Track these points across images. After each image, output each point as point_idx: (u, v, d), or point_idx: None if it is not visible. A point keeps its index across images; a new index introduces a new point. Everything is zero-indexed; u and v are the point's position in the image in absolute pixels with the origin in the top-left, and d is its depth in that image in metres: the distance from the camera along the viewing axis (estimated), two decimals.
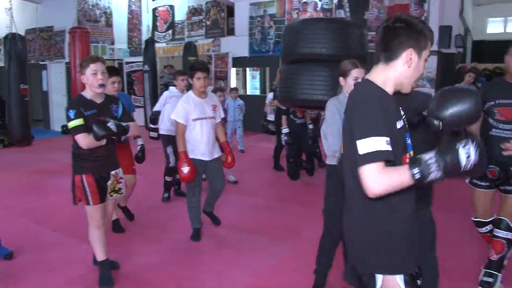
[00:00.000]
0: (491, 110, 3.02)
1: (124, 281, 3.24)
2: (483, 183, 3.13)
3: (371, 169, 1.46)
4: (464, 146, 1.42)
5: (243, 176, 6.41)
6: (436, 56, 8.29)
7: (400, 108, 1.68)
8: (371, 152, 1.46)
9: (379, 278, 1.65)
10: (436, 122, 1.61)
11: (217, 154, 4.07)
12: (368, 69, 1.80)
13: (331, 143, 2.82)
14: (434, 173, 1.42)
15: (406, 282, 1.62)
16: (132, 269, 3.43)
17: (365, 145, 1.47)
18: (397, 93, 1.68)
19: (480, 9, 14.77)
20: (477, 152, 1.42)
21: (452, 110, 1.58)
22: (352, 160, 1.54)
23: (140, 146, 4.31)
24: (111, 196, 3.18)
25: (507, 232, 2.97)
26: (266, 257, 3.65)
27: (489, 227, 3.23)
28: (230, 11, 11.99)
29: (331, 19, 5.26)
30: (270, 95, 7.85)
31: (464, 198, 4.69)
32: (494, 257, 3.02)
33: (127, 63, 12.70)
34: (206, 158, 3.97)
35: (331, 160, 2.88)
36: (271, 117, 7.37)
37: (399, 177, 1.45)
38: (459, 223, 4.27)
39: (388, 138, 1.48)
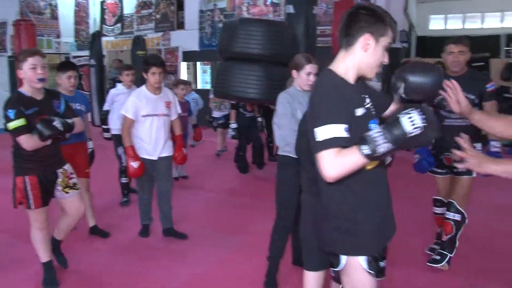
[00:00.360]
0: (441, 103, 3.15)
1: (72, 280, 3.18)
2: (440, 170, 3.40)
3: (327, 154, 1.51)
4: (407, 114, 1.48)
5: (194, 171, 6.40)
6: None
7: (367, 95, 1.73)
8: (328, 138, 1.51)
9: (343, 258, 1.71)
10: (399, 84, 1.70)
11: (167, 153, 3.86)
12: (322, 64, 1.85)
13: (283, 134, 2.88)
14: (383, 146, 1.47)
15: (369, 263, 1.68)
16: (81, 268, 3.37)
17: (322, 132, 1.53)
18: (360, 79, 1.72)
19: (423, 6, 15.39)
20: (423, 118, 1.47)
21: (416, 76, 1.69)
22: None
23: (90, 150, 4.02)
24: (67, 192, 3.05)
25: (454, 214, 3.22)
26: (216, 251, 3.67)
27: (445, 210, 3.44)
28: (180, 4, 11.86)
29: (267, 21, 5.40)
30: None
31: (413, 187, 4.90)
32: (444, 237, 3.27)
33: (74, 57, 12.31)
34: (152, 157, 3.79)
35: (283, 151, 2.95)
36: (216, 114, 7.36)
37: (351, 157, 1.50)
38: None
39: (345, 125, 1.53)
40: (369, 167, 1.63)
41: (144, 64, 3.73)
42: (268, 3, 10.13)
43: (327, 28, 9.08)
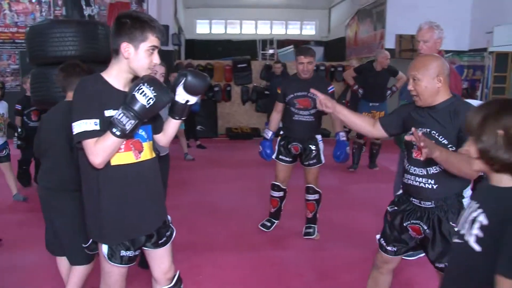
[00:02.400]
0: (292, 101, 3.87)
1: None
2: (286, 158, 3.98)
3: (87, 145, 1.76)
4: (138, 90, 1.75)
5: None
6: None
7: None
8: (83, 131, 1.75)
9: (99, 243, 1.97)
10: (181, 79, 2.02)
11: None
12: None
13: None
14: (129, 123, 1.72)
15: (109, 252, 1.92)
16: None
17: (77, 126, 1.76)
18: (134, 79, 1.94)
19: (190, 11, 16.41)
20: (152, 89, 1.75)
21: (194, 77, 2.02)
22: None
23: None
24: None
25: (314, 195, 3.97)
26: None
27: (282, 194, 4.13)
28: None
29: (80, 21, 5.18)
30: None
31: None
32: (310, 215, 4.04)
33: None
34: None
35: None
36: None
37: (108, 141, 1.74)
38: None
39: (97, 120, 1.77)
40: (115, 163, 1.84)
41: None
42: (34, 1, 9.43)
43: None
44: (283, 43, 15.69)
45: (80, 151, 1.87)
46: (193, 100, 2.07)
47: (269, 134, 4.09)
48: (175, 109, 2.07)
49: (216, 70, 10.17)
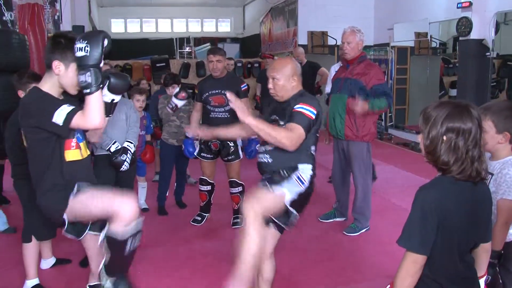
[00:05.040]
0: (208, 99, 4.09)
1: None
2: (208, 155, 4.20)
3: (79, 120, 2.01)
4: (75, 50, 1.95)
5: None
6: None
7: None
8: (67, 114, 1.99)
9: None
10: (104, 80, 2.19)
11: None
12: None
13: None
14: (87, 76, 1.93)
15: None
16: None
17: (58, 116, 1.99)
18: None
19: (104, 10, 16.02)
20: (81, 40, 1.93)
21: (116, 79, 2.24)
22: None
23: None
24: None
25: (238, 188, 4.24)
26: None
27: (210, 188, 4.33)
28: None
29: None
30: None
31: None
32: (236, 206, 4.27)
33: None
34: None
35: (98, 151, 3.52)
36: None
37: (90, 101, 1.99)
38: None
39: (65, 105, 2.02)
40: (70, 158, 2.19)
41: None
42: None
43: None
44: (199, 40, 15.87)
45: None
46: (117, 98, 2.30)
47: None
48: (104, 109, 2.26)
49: (135, 70, 10.10)
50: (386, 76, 9.79)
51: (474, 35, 7.33)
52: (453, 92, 9.37)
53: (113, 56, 12.85)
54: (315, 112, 2.46)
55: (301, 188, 2.47)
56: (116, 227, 2.14)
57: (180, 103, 4.23)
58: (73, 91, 2.15)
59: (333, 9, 10.08)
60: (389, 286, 1.59)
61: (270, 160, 2.53)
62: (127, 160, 3.48)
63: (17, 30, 6.45)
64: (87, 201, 2.17)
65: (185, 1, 15.97)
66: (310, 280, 3.27)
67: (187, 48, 14.40)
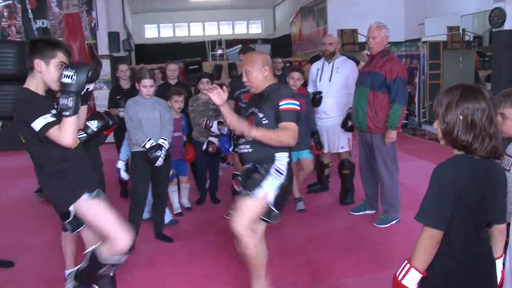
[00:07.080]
0: (239, 96, 4.36)
1: None
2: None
3: (54, 133, 2.22)
4: (62, 76, 2.23)
5: None
6: (108, 60, 9.12)
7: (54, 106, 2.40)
8: (45, 124, 2.20)
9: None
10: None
11: None
12: None
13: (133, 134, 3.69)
14: (69, 100, 2.19)
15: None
16: None
17: (38, 123, 2.20)
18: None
19: (137, 16, 16.48)
20: (71, 69, 2.21)
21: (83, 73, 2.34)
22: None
23: None
24: None
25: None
26: None
27: None
28: None
29: (16, 42, 5.25)
30: None
31: None
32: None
33: None
34: None
35: (135, 148, 3.75)
36: None
37: (67, 123, 2.22)
38: None
39: (49, 115, 2.22)
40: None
41: None
42: None
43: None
44: (231, 42, 16.08)
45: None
46: (91, 86, 2.46)
47: (225, 129, 4.26)
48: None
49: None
50: (418, 72, 9.72)
51: (508, 25, 7.16)
52: (489, 86, 9.19)
53: (147, 60, 13.26)
54: (297, 103, 2.67)
55: (281, 179, 2.65)
56: (104, 250, 2.41)
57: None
58: (55, 86, 2.36)
59: (362, 7, 10.06)
60: (406, 261, 1.65)
61: (250, 150, 2.71)
62: (161, 156, 3.66)
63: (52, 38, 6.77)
64: (97, 211, 2.41)
65: (216, 5, 16.24)
66: (339, 269, 3.35)
67: (219, 51, 14.64)
